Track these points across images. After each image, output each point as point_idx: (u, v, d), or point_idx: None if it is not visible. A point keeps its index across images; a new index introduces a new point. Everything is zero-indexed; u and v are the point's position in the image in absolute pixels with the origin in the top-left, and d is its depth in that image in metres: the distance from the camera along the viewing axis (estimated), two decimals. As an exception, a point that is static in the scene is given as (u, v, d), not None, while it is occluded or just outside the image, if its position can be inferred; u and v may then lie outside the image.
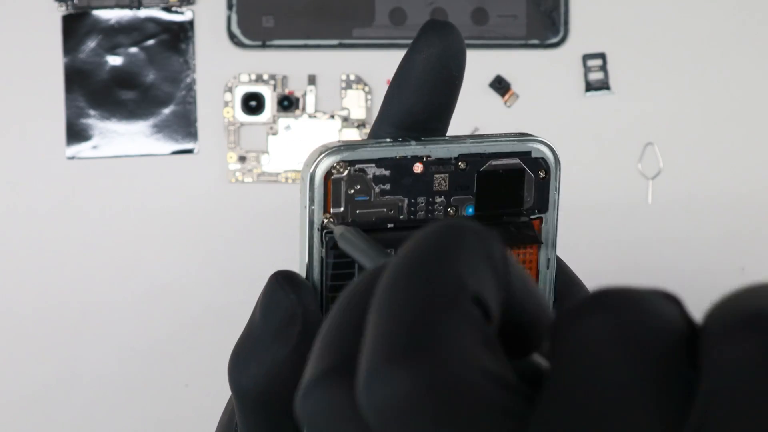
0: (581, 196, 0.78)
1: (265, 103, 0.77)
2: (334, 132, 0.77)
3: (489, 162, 0.28)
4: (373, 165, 0.27)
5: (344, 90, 0.77)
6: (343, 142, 0.27)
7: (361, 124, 0.78)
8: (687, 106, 0.78)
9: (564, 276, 0.31)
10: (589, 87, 0.78)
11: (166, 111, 0.77)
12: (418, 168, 0.28)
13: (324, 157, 0.27)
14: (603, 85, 0.78)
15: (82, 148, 0.77)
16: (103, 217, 0.77)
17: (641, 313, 0.18)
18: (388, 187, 0.28)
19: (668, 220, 0.79)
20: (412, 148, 0.28)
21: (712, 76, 0.78)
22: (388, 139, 0.28)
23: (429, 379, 0.17)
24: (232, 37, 0.76)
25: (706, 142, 0.79)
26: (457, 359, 0.17)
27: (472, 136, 0.28)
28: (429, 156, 0.28)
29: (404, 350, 0.17)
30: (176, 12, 0.77)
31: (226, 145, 0.77)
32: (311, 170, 0.27)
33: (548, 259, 0.30)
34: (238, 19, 0.76)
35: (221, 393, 0.82)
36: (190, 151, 0.77)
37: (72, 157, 0.77)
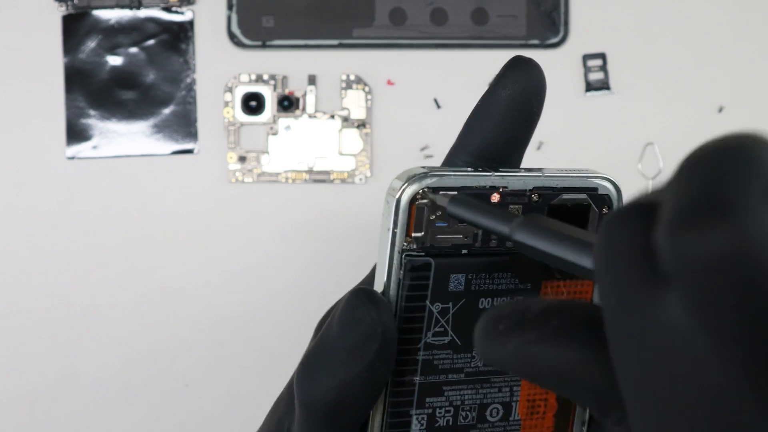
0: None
1: (265, 103, 0.77)
2: (334, 132, 0.77)
3: (560, 196, 0.30)
4: (455, 193, 0.28)
5: (344, 90, 0.77)
6: (428, 168, 0.28)
7: (361, 124, 0.78)
8: (687, 106, 0.78)
9: None
10: (589, 87, 0.78)
11: (166, 111, 0.77)
12: (495, 198, 0.29)
13: (410, 183, 0.28)
14: (603, 85, 0.78)
15: (82, 148, 0.77)
16: (103, 217, 0.77)
17: None
18: None
19: (668, 220, 0.79)
20: (492, 179, 0.29)
21: (713, 76, 0.78)
22: (469, 169, 0.29)
23: (745, 243, 0.18)
24: (232, 37, 0.76)
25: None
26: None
27: (546, 170, 0.30)
28: (506, 187, 0.29)
29: (723, 208, 0.18)
30: (176, 12, 0.77)
31: (226, 145, 0.77)
32: (398, 196, 0.28)
33: None
34: (238, 19, 0.76)
35: (221, 393, 0.82)
36: (190, 151, 0.77)
37: (72, 157, 0.77)
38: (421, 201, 0.28)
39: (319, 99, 0.78)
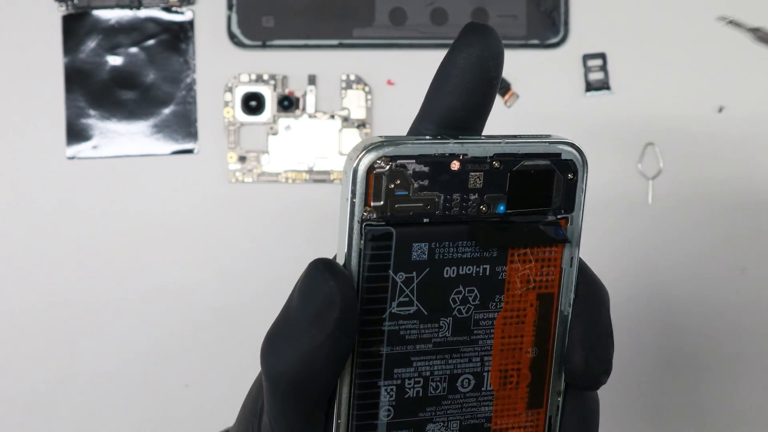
0: (581, 196, 0.78)
1: (265, 103, 0.77)
2: (334, 132, 0.77)
3: (522, 162, 0.29)
4: (413, 161, 0.28)
5: (344, 90, 0.77)
6: (385, 137, 0.28)
7: (361, 124, 0.78)
8: (687, 106, 0.78)
9: (584, 275, 0.31)
10: (589, 87, 0.78)
11: (166, 111, 0.77)
12: (455, 166, 0.29)
13: (367, 152, 0.28)
14: (603, 85, 0.78)
15: (82, 148, 0.77)
16: (103, 217, 0.77)
17: None
18: (426, 183, 0.29)
19: (668, 220, 0.79)
20: (451, 147, 0.29)
21: (713, 75, 0.78)
22: (428, 137, 0.29)
23: None
24: (232, 37, 0.76)
25: (706, 142, 0.79)
26: None
27: (506, 137, 0.29)
28: (466, 154, 0.29)
29: None
30: (176, 12, 0.77)
31: (226, 145, 0.77)
32: (354, 164, 0.28)
33: (572, 258, 0.31)
34: (238, 19, 0.76)
35: (221, 393, 0.82)
36: (190, 151, 0.77)
37: (72, 157, 0.77)
38: (378, 170, 0.28)
39: (319, 99, 0.78)
